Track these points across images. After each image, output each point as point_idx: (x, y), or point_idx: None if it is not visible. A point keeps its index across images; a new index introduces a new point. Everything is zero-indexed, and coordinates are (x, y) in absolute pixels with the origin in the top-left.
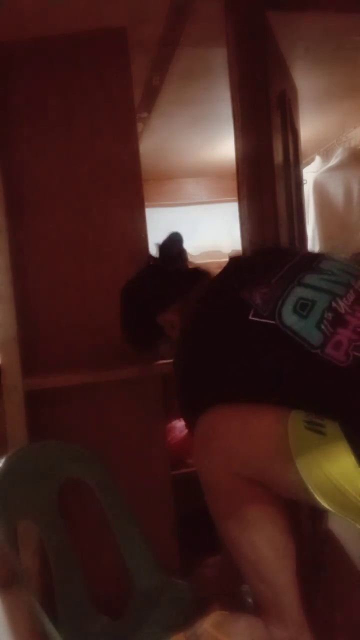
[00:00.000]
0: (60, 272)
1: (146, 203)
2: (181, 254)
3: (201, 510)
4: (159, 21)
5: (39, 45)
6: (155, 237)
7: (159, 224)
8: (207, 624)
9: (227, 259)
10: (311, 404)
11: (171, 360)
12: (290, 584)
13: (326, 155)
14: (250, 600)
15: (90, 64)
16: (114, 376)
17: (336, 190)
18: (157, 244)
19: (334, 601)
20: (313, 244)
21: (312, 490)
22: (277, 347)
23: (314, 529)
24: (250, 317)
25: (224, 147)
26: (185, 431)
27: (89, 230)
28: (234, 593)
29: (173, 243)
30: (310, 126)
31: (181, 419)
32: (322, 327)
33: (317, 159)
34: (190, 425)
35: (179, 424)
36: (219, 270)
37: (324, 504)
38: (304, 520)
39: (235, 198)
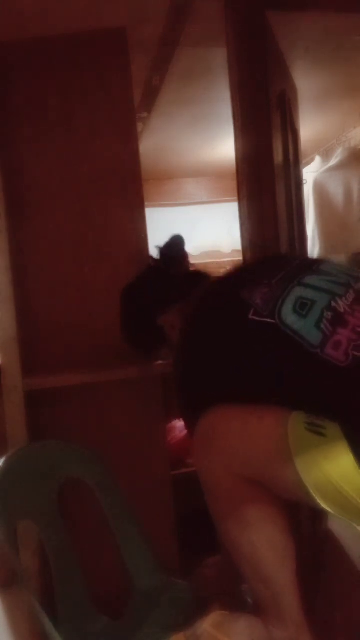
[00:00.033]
0: (60, 272)
1: (146, 203)
2: (183, 256)
3: (201, 510)
4: (159, 21)
5: (39, 45)
6: (155, 237)
7: (159, 224)
8: (207, 624)
9: (227, 259)
10: (311, 405)
11: (171, 361)
12: (290, 584)
13: (326, 155)
14: (250, 600)
15: (90, 64)
16: (114, 376)
17: (336, 190)
18: (158, 247)
19: (334, 601)
20: (313, 244)
21: (311, 492)
22: (277, 346)
23: (314, 529)
24: (250, 317)
25: (224, 147)
26: (185, 431)
27: (89, 230)
28: (234, 593)
29: (175, 246)
30: (310, 126)
31: (181, 419)
32: (322, 326)
33: (317, 159)
34: (190, 425)
35: (179, 424)
36: (219, 270)
37: (324, 505)
38: (304, 520)
39: (235, 198)
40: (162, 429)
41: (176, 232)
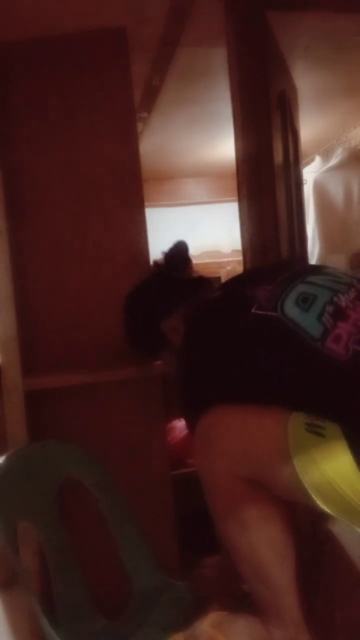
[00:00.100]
0: (60, 272)
1: (146, 203)
2: (186, 262)
3: (201, 510)
4: (159, 21)
5: (39, 45)
6: (155, 237)
7: (159, 224)
8: (206, 624)
9: (227, 259)
10: (312, 405)
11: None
12: (290, 584)
13: (326, 155)
14: (249, 600)
15: (90, 64)
16: (114, 376)
17: (336, 190)
18: (163, 252)
19: (334, 601)
20: (313, 244)
21: (310, 492)
22: (279, 341)
23: (314, 529)
24: (253, 311)
25: (223, 147)
26: (185, 431)
27: (89, 230)
28: (233, 593)
29: (179, 251)
30: (310, 126)
31: (181, 419)
32: (323, 319)
33: (317, 159)
34: (191, 426)
35: (179, 424)
36: (219, 270)
37: (323, 506)
38: (304, 520)
39: (235, 198)
40: (162, 429)
41: (176, 232)
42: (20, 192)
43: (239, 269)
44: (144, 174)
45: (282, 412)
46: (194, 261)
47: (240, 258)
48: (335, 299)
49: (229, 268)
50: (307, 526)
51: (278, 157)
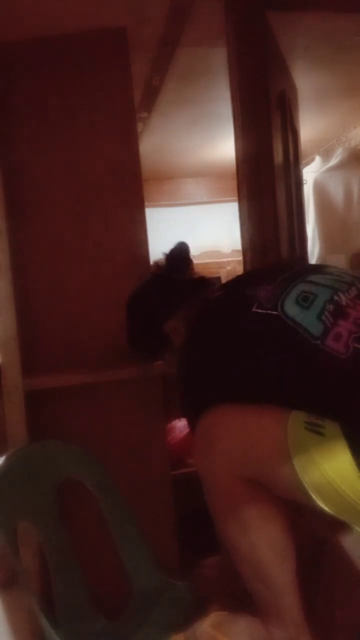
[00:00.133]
0: (60, 272)
1: (146, 203)
2: (188, 263)
3: (201, 510)
4: (159, 21)
5: (39, 45)
6: (155, 237)
7: (159, 224)
8: (207, 624)
9: (227, 259)
10: (312, 404)
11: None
12: (290, 585)
13: (326, 155)
14: (249, 600)
15: (90, 64)
16: (114, 376)
17: (336, 190)
18: (164, 253)
19: (334, 601)
20: (313, 244)
21: (309, 492)
22: (279, 340)
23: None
24: (253, 309)
25: (223, 147)
26: (185, 431)
27: (89, 230)
28: (233, 593)
29: (180, 252)
30: (310, 126)
31: (181, 419)
32: (323, 317)
33: (317, 159)
34: (192, 425)
35: (179, 424)
36: (219, 270)
37: (322, 505)
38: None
39: (235, 198)
40: (162, 429)
41: (176, 232)
42: (20, 192)
43: (239, 269)
44: (144, 174)
45: (281, 411)
46: (194, 261)
47: (240, 258)
48: (335, 297)
49: (229, 268)
50: (307, 527)
51: (278, 157)
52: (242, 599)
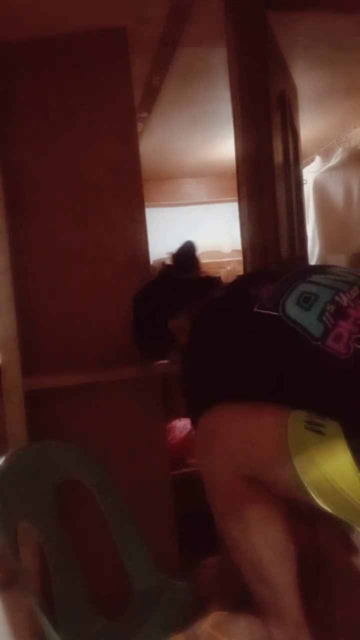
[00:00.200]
0: (60, 272)
1: (146, 203)
2: (195, 262)
3: (201, 510)
4: (159, 21)
5: (39, 45)
6: (155, 237)
7: (159, 224)
8: (207, 624)
9: (227, 259)
10: (312, 404)
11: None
12: (290, 585)
13: (326, 155)
14: (249, 600)
15: (90, 64)
16: (114, 376)
17: (336, 190)
18: (171, 253)
19: (334, 601)
20: (313, 244)
21: (309, 491)
22: (280, 341)
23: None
24: (255, 310)
25: (223, 147)
26: (185, 431)
27: (89, 231)
28: (233, 593)
29: (187, 251)
30: (310, 126)
31: (181, 419)
32: (324, 318)
33: (317, 159)
34: (195, 424)
35: (179, 424)
36: (219, 270)
37: (321, 503)
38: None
39: (235, 198)
40: (162, 429)
41: (176, 232)
42: (20, 192)
43: (239, 269)
44: (144, 174)
45: (281, 411)
46: None
47: (240, 258)
48: (336, 298)
49: (229, 268)
50: (307, 527)
51: (278, 157)
52: (242, 599)
